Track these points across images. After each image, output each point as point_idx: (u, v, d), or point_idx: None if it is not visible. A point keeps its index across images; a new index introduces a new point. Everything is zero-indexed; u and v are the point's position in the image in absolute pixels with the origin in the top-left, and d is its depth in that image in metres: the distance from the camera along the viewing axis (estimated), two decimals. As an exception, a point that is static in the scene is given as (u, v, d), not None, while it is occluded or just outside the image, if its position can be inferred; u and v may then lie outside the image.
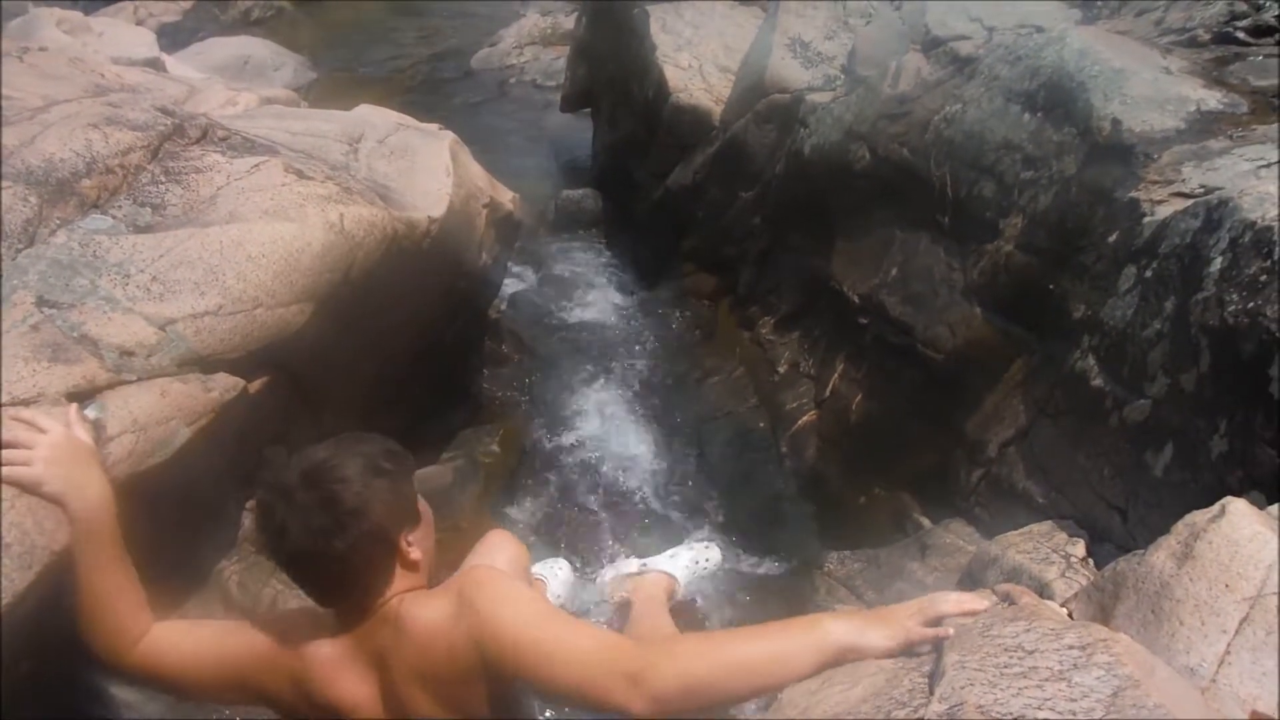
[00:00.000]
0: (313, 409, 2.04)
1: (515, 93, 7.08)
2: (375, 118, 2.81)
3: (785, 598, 2.52)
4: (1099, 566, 1.73)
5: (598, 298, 4.24)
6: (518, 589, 1.24)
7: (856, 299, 2.93)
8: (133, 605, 1.26)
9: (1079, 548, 1.84)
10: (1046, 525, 1.95)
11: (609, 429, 3.33)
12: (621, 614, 2.23)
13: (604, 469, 3.14)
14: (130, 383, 1.54)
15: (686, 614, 2.37)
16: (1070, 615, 1.19)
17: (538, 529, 2.84)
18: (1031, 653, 0.92)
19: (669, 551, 2.46)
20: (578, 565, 2.59)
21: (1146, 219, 1.94)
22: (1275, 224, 1.63)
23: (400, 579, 1.21)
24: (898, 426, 2.69)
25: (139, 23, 7.49)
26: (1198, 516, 1.15)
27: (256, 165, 2.00)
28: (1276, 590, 1.03)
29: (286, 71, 6.85)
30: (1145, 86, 2.20)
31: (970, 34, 2.89)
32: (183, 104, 2.73)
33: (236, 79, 5.09)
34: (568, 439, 3.26)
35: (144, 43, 4.60)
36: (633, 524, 2.90)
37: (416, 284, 2.37)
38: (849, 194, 3.05)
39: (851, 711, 0.96)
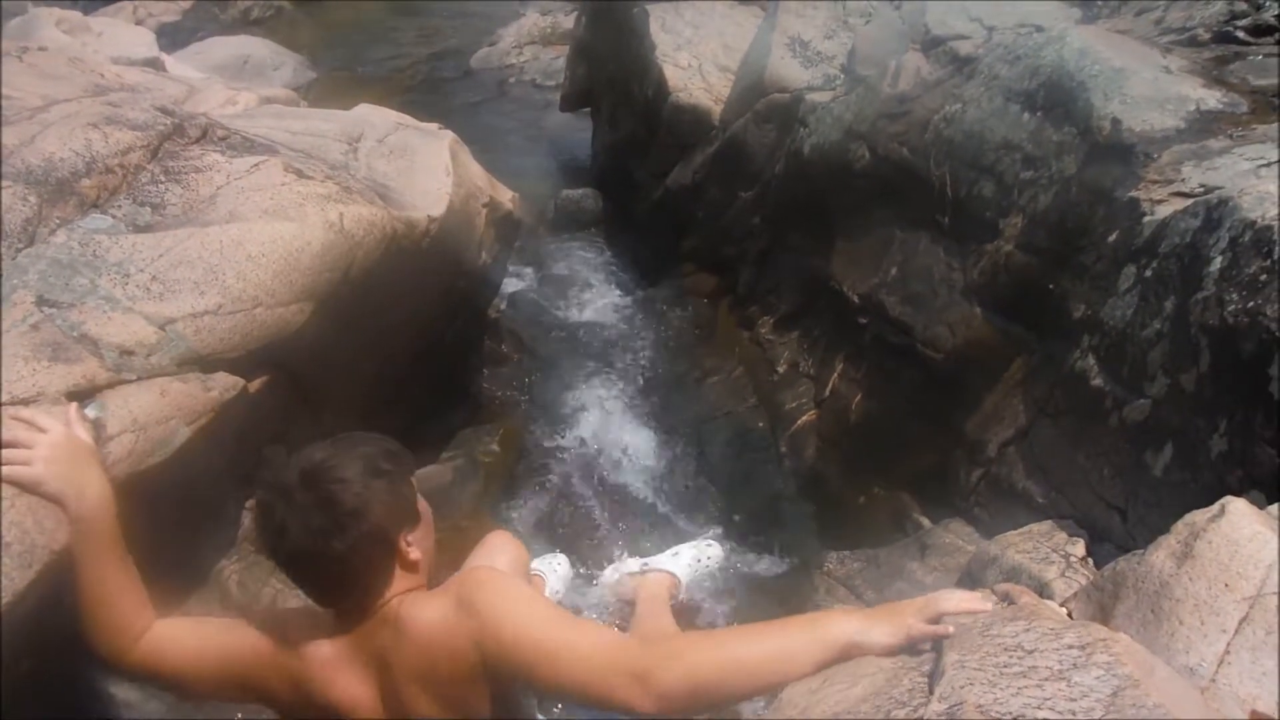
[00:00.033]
0: (312, 408, 2.04)
1: (515, 92, 7.08)
2: (375, 117, 2.81)
3: (785, 597, 2.52)
4: (1098, 566, 1.73)
5: (597, 297, 4.24)
6: (520, 589, 1.24)
7: (856, 299, 2.93)
8: (134, 604, 1.26)
9: (1078, 547, 1.84)
10: (1046, 525, 1.95)
11: (608, 428, 3.33)
12: (624, 614, 2.23)
13: (603, 468, 3.14)
14: (130, 382, 1.54)
15: (689, 614, 2.37)
16: (1070, 615, 1.19)
17: (537, 528, 2.83)
18: (1031, 652, 0.92)
19: (670, 550, 2.47)
20: (576, 563, 2.59)
21: (1146, 218, 1.94)
22: (1275, 223, 1.63)
23: (400, 579, 1.21)
24: (897, 426, 2.69)
25: (138, 22, 7.49)
26: (1197, 516, 1.15)
27: (256, 165, 2.00)
28: (1276, 590, 1.03)
29: (286, 71, 6.85)
30: (1145, 86, 2.20)
31: (970, 33, 2.89)
32: (182, 104, 2.73)
33: (236, 79, 5.09)
34: (567, 438, 3.26)
35: (143, 42, 4.60)
36: (632, 523, 2.90)
37: (416, 283, 2.37)
38: (848, 193, 3.05)
39: (851, 711, 0.96)
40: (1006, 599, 1.13)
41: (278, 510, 1.15)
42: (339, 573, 1.17)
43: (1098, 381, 1.97)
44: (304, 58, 7.30)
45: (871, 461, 2.75)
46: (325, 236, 1.89)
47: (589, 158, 5.47)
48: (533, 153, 5.87)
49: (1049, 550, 1.83)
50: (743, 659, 1.08)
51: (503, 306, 3.87)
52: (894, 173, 2.82)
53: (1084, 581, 1.58)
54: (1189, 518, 1.16)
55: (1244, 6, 2.61)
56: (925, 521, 2.47)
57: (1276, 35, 2.50)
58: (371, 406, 2.27)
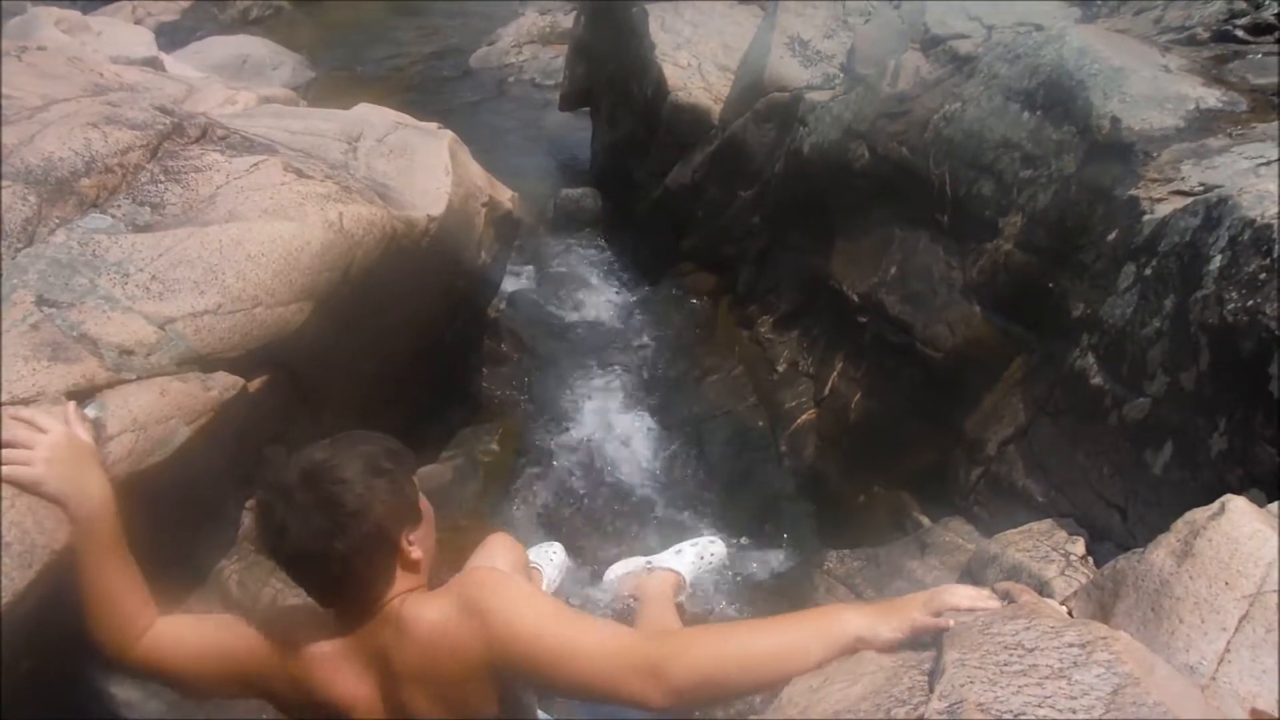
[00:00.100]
0: (312, 408, 2.04)
1: (514, 91, 7.08)
2: (374, 117, 2.81)
3: (785, 596, 2.52)
4: (1098, 564, 1.73)
5: (597, 297, 4.24)
6: (526, 588, 1.24)
7: (856, 298, 2.93)
8: (136, 602, 1.26)
9: (1078, 546, 1.84)
10: (1046, 523, 1.95)
11: (608, 427, 3.33)
12: (628, 612, 2.23)
13: (603, 467, 3.14)
14: (130, 381, 1.54)
15: (700, 618, 2.37)
16: (1070, 613, 1.19)
17: (537, 527, 2.83)
18: (1031, 650, 0.92)
19: (674, 548, 2.47)
20: (573, 555, 2.59)
21: (1146, 217, 1.94)
22: (1275, 222, 1.64)
23: (401, 579, 1.21)
24: (897, 425, 2.69)
25: (137, 22, 7.48)
26: (1197, 514, 1.15)
27: (255, 164, 1.99)
28: (1276, 588, 1.03)
29: (285, 70, 6.84)
30: (1144, 85, 2.20)
31: (969, 32, 2.89)
32: (181, 103, 2.73)
33: (235, 78, 5.09)
34: (567, 437, 3.26)
35: (142, 42, 4.60)
36: (631, 522, 2.90)
37: (416, 283, 2.37)
38: (848, 193, 3.05)
39: (852, 709, 0.96)
40: (1006, 597, 1.12)
41: (278, 510, 1.14)
42: (340, 573, 1.17)
43: (1097, 380, 1.97)
44: (303, 57, 7.30)
45: (871, 460, 2.75)
46: (325, 236, 1.89)
47: (588, 157, 5.47)
48: (532, 152, 5.86)
49: (1049, 549, 1.83)
50: (751, 653, 1.09)
51: (502, 306, 3.87)
52: (893, 172, 2.82)
53: (1084, 580, 1.58)
54: (1189, 516, 1.16)
55: (1243, 5, 2.62)
56: (925, 520, 2.47)
57: (1276, 34, 2.51)
58: (371, 406, 2.27)
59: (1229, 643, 1.01)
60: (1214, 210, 1.76)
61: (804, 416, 3.09)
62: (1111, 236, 2.03)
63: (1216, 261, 1.71)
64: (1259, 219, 1.66)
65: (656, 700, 1.07)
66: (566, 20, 7.24)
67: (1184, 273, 1.79)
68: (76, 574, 1.24)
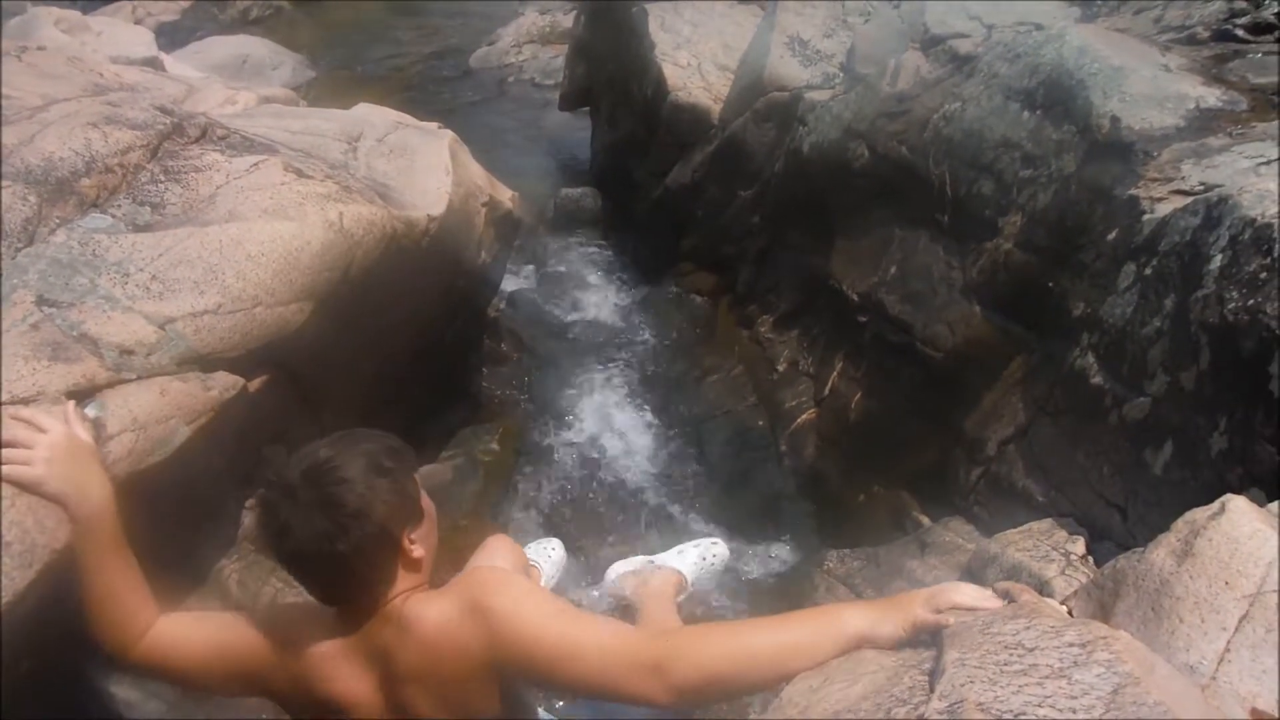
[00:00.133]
0: (312, 408, 2.04)
1: (514, 91, 7.07)
2: (374, 116, 2.81)
3: (785, 596, 2.52)
4: (1099, 564, 1.73)
5: (597, 296, 4.24)
6: (529, 587, 1.24)
7: (855, 297, 2.93)
8: (137, 601, 1.26)
9: (1078, 545, 1.84)
10: (1046, 523, 1.95)
11: (608, 427, 3.33)
12: (629, 610, 2.23)
13: (603, 467, 3.14)
14: (130, 381, 1.54)
15: (694, 614, 2.37)
16: (1070, 613, 1.19)
17: (536, 527, 2.84)
18: (1032, 650, 0.92)
19: (676, 548, 2.47)
20: (573, 553, 2.59)
21: (1146, 216, 1.94)
22: (1275, 221, 1.63)
23: (403, 578, 1.21)
24: (897, 425, 2.69)
25: (137, 22, 7.48)
26: (1198, 514, 1.15)
27: (256, 164, 1.99)
28: (1276, 588, 1.03)
29: (285, 70, 6.85)
30: (1144, 84, 2.20)
31: (969, 32, 2.89)
32: (182, 103, 2.73)
33: (235, 78, 5.09)
34: (567, 437, 3.26)
35: (142, 42, 4.60)
36: (631, 522, 2.90)
37: (416, 282, 2.37)
38: (848, 192, 3.05)
39: (852, 709, 0.96)
40: (1007, 597, 1.12)
41: (281, 510, 1.14)
42: (342, 573, 1.17)
43: (1097, 380, 1.97)
44: (303, 57, 7.30)
45: (871, 460, 2.75)
46: (325, 236, 1.89)
47: (588, 157, 5.47)
48: (532, 152, 5.86)
49: (1049, 548, 1.83)
50: (754, 651, 1.09)
51: (502, 305, 3.87)
52: (893, 171, 2.82)
53: (1084, 579, 1.58)
54: (1189, 515, 1.16)
55: (1243, 4, 2.62)
56: (925, 520, 2.47)
57: (1276, 33, 2.50)
58: (371, 405, 2.27)
59: (1229, 642, 1.01)
60: (1214, 209, 1.76)
61: (804, 416, 3.09)
62: (1112, 236, 2.03)
63: (1217, 261, 1.71)
64: (1259, 218, 1.66)
65: (660, 698, 1.07)
66: (566, 20, 7.24)
67: (1184, 272, 1.79)
68: (77, 573, 1.24)
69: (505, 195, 3.07)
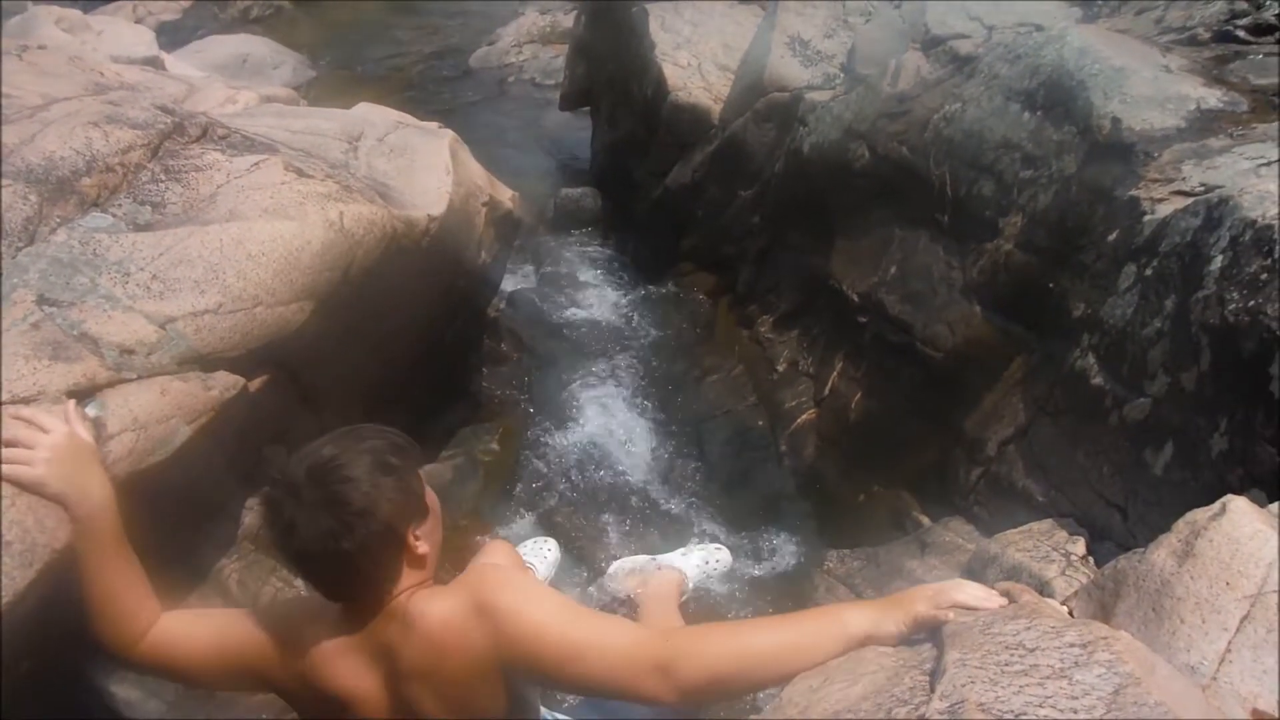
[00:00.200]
0: (312, 407, 2.04)
1: (514, 91, 7.07)
2: (375, 116, 2.81)
3: (785, 596, 2.52)
4: (1099, 565, 1.73)
5: (597, 296, 4.24)
6: (535, 586, 1.25)
7: (856, 297, 2.93)
8: (139, 599, 1.26)
9: (1079, 546, 1.84)
10: (1046, 523, 1.96)
11: (608, 427, 3.33)
12: (630, 608, 2.24)
13: (603, 467, 3.14)
14: (130, 381, 1.53)
15: (694, 615, 2.37)
16: (1071, 613, 1.19)
17: (536, 527, 2.84)
18: (1033, 650, 0.92)
19: (680, 550, 2.48)
20: (566, 550, 2.59)
21: (1147, 217, 1.94)
22: (1275, 222, 1.64)
23: (408, 574, 1.21)
24: (897, 425, 2.69)
25: (138, 21, 7.48)
26: (1198, 514, 1.15)
27: (256, 163, 1.99)
28: (1277, 588, 1.03)
29: (286, 70, 6.85)
30: (1145, 85, 2.20)
31: (970, 33, 2.90)
32: (182, 102, 2.72)
33: (236, 77, 5.09)
34: (567, 437, 3.26)
35: (143, 41, 4.59)
36: (631, 522, 2.90)
37: (416, 282, 2.37)
38: (848, 193, 3.05)
39: (852, 709, 0.96)
40: (1007, 597, 1.13)
41: (286, 508, 1.14)
42: (347, 570, 1.17)
43: (1098, 380, 1.97)
44: (304, 56, 7.30)
45: (871, 460, 2.75)
46: (325, 235, 1.89)
47: (588, 157, 5.47)
48: (532, 151, 5.86)
49: (1049, 549, 1.83)
50: (760, 651, 1.10)
51: (502, 305, 3.87)
52: (894, 172, 2.82)
53: (1084, 580, 1.58)
54: (1190, 516, 1.16)
55: (1244, 5, 2.62)
56: (925, 520, 2.47)
57: (1276, 34, 2.51)
58: (371, 405, 2.27)
59: (1230, 643, 1.01)
60: (1215, 211, 1.76)
61: (804, 416, 3.09)
62: (1112, 237, 2.03)
63: (1217, 262, 1.71)
64: (1260, 219, 1.66)
65: (667, 697, 1.08)
66: (567, 20, 7.24)
67: (1185, 273, 1.79)
68: (79, 573, 1.24)
69: (505, 195, 3.07)
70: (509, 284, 3.95)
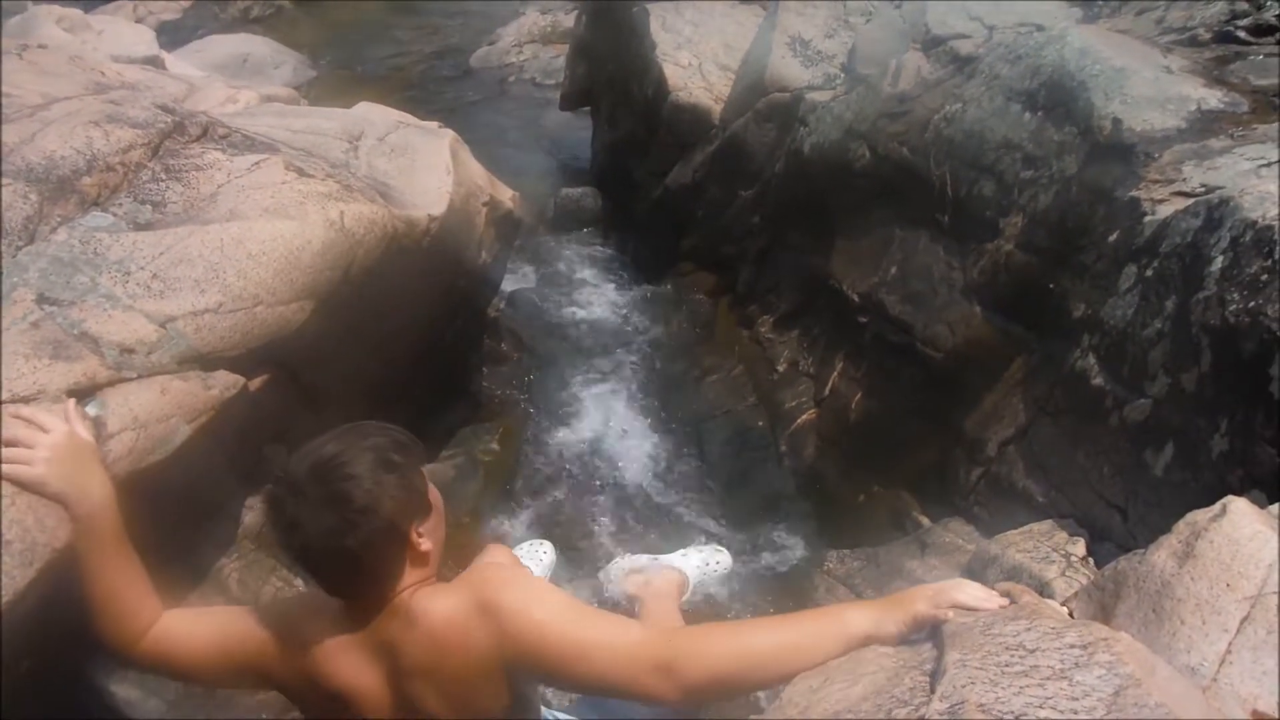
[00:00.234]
0: (313, 407, 2.04)
1: (515, 91, 7.07)
2: (375, 115, 2.81)
3: (785, 596, 2.52)
4: (1099, 565, 1.73)
5: (597, 296, 4.24)
6: (538, 584, 1.25)
7: (856, 298, 2.93)
8: (140, 597, 1.26)
9: (1079, 547, 1.84)
10: (1046, 524, 1.96)
11: (608, 427, 3.33)
12: (631, 607, 2.24)
13: (603, 467, 3.14)
14: (130, 380, 1.53)
15: (693, 616, 2.37)
16: (1071, 614, 1.19)
17: (536, 527, 2.84)
18: (1033, 651, 0.92)
19: (680, 550, 2.47)
20: (560, 550, 2.59)
21: (1147, 218, 1.94)
22: (1276, 223, 1.64)
23: (410, 571, 1.21)
24: (897, 425, 2.69)
25: (139, 20, 7.48)
26: (1199, 515, 1.15)
27: (257, 163, 1.99)
28: (1277, 589, 1.03)
29: (286, 69, 6.85)
30: (1146, 86, 2.20)
31: (970, 33, 2.89)
32: (183, 102, 2.72)
33: (236, 77, 5.09)
34: (567, 437, 3.26)
35: (144, 40, 4.59)
36: (631, 521, 2.90)
37: (416, 282, 2.37)
38: (849, 193, 3.05)
39: (852, 710, 0.96)
40: (1008, 598, 1.13)
41: (289, 506, 1.14)
42: (350, 567, 1.17)
43: (1098, 381, 1.97)
44: (304, 56, 7.30)
45: (871, 460, 2.75)
46: (326, 235, 1.89)
47: (589, 157, 5.47)
48: (533, 151, 5.86)
49: (1049, 549, 1.83)
50: (762, 650, 1.11)
51: (502, 305, 3.87)
52: (894, 172, 2.82)
53: (1085, 581, 1.58)
54: (1190, 517, 1.16)
55: (1245, 6, 2.62)
56: (925, 520, 2.47)
57: (1277, 35, 2.51)
58: (372, 405, 2.26)
59: (1230, 644, 1.01)
60: (1215, 211, 1.76)
61: (804, 416, 3.09)
62: (1113, 237, 2.03)
63: (1218, 263, 1.71)
64: (1260, 220, 1.66)
65: (669, 697, 1.09)
66: (567, 20, 7.24)
67: (1185, 274, 1.79)
68: (80, 572, 1.24)
69: (506, 195, 3.07)
70: (509, 284, 3.95)
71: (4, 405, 1.33)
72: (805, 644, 1.09)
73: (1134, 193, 2.00)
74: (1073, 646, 0.91)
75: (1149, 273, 1.89)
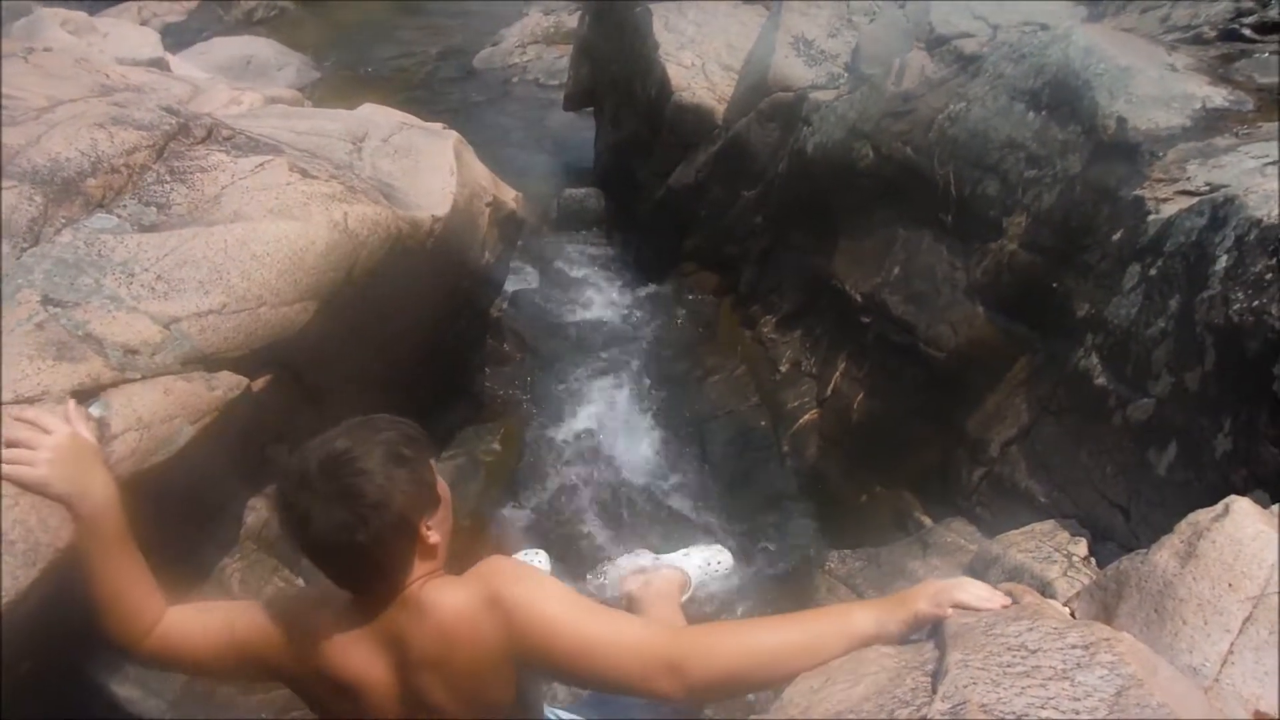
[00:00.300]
0: (316, 407, 2.05)
1: (518, 92, 7.08)
2: (379, 117, 2.82)
3: (786, 596, 2.52)
4: (1101, 566, 1.72)
5: (599, 296, 4.24)
6: (547, 580, 1.25)
7: (859, 298, 2.93)
8: (144, 595, 1.27)
9: (1081, 547, 1.84)
10: (1049, 524, 1.95)
11: (610, 427, 3.33)
12: (631, 606, 2.24)
13: (605, 467, 3.14)
14: (134, 381, 1.54)
15: (693, 617, 2.37)
16: (1073, 614, 1.18)
17: (537, 527, 2.84)
18: (1035, 652, 0.92)
19: (682, 550, 2.47)
20: (553, 557, 2.59)
21: (1151, 217, 1.93)
22: (1280, 222, 1.63)
23: (419, 564, 1.22)
24: (899, 425, 2.69)
25: (143, 23, 7.51)
26: (1201, 515, 1.15)
27: (261, 164, 2.00)
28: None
29: (290, 71, 6.86)
30: (1150, 84, 2.19)
31: (974, 32, 2.89)
32: (187, 103, 2.73)
33: (240, 78, 5.10)
34: (569, 437, 3.26)
35: (148, 43, 4.60)
36: (632, 522, 2.90)
37: (420, 283, 2.38)
38: (852, 193, 3.04)
39: (854, 710, 0.96)
40: (1010, 598, 1.12)
41: (300, 501, 1.14)
42: (361, 561, 1.18)
43: (1101, 380, 1.97)
44: (308, 57, 7.32)
45: (873, 460, 2.75)
46: (330, 236, 1.90)
47: (592, 157, 5.47)
48: (536, 152, 5.87)
49: (1051, 549, 1.83)
50: (769, 649, 1.12)
51: (505, 305, 3.88)
52: (897, 172, 2.82)
53: (1087, 581, 1.58)
54: (1193, 517, 1.15)
55: (1250, 4, 2.61)
56: (927, 520, 2.47)
57: (1282, 33, 2.50)
58: (374, 405, 2.26)
59: (1232, 644, 1.01)
60: (1220, 210, 1.76)
61: (806, 416, 3.09)
62: (1117, 236, 2.02)
63: (1222, 262, 1.70)
64: (1265, 219, 1.66)
65: (676, 694, 1.10)
66: (571, 20, 7.24)
67: (1189, 273, 1.79)
68: (84, 572, 1.24)
69: (509, 195, 3.07)
70: (512, 284, 3.96)
71: (7, 407, 1.34)
72: (810, 643, 1.10)
73: (1138, 192, 2.00)
74: (1075, 647, 0.91)
75: (1153, 272, 1.89)
